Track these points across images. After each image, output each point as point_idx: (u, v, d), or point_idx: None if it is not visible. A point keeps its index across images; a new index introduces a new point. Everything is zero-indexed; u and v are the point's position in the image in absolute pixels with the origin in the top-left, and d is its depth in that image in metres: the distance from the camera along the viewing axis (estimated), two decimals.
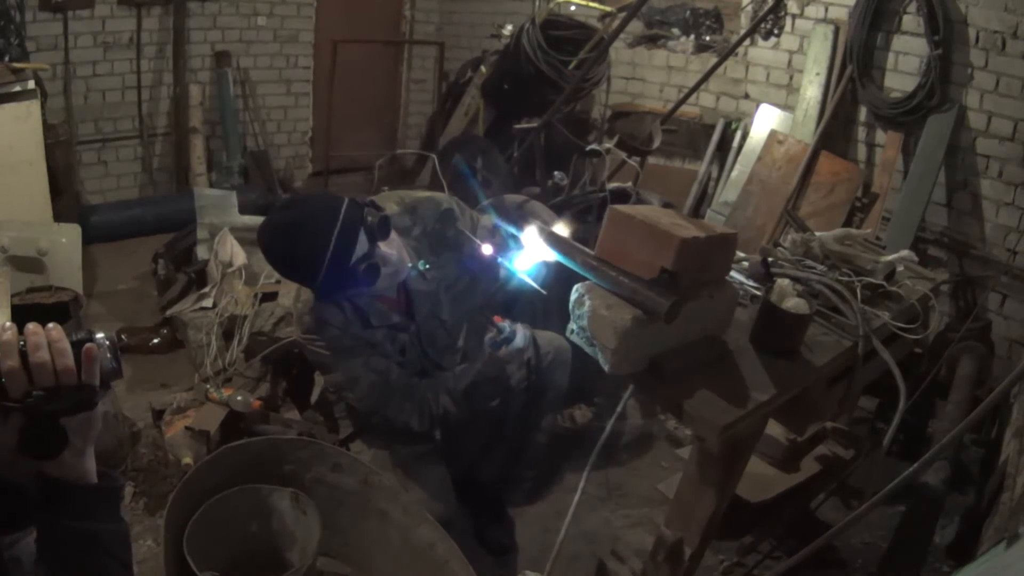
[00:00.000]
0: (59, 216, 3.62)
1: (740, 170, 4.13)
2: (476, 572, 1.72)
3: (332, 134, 4.91)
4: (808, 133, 3.83)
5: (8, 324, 0.87)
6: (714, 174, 4.43)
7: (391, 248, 1.76)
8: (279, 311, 2.77)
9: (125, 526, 1.00)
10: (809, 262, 1.74)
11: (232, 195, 3.91)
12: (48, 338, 0.87)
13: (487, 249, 1.88)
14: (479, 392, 1.96)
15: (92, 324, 2.98)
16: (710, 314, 1.40)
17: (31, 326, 0.87)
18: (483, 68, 5.01)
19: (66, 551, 0.91)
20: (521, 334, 1.96)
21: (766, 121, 4.12)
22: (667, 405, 1.48)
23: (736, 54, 4.13)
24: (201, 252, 3.50)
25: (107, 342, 0.92)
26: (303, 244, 1.67)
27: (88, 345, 0.89)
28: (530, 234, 1.51)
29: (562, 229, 1.57)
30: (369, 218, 1.69)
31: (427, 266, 1.89)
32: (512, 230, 1.75)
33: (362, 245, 1.68)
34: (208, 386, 2.47)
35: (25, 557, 0.96)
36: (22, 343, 0.86)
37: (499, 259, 1.89)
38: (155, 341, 3.15)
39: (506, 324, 1.93)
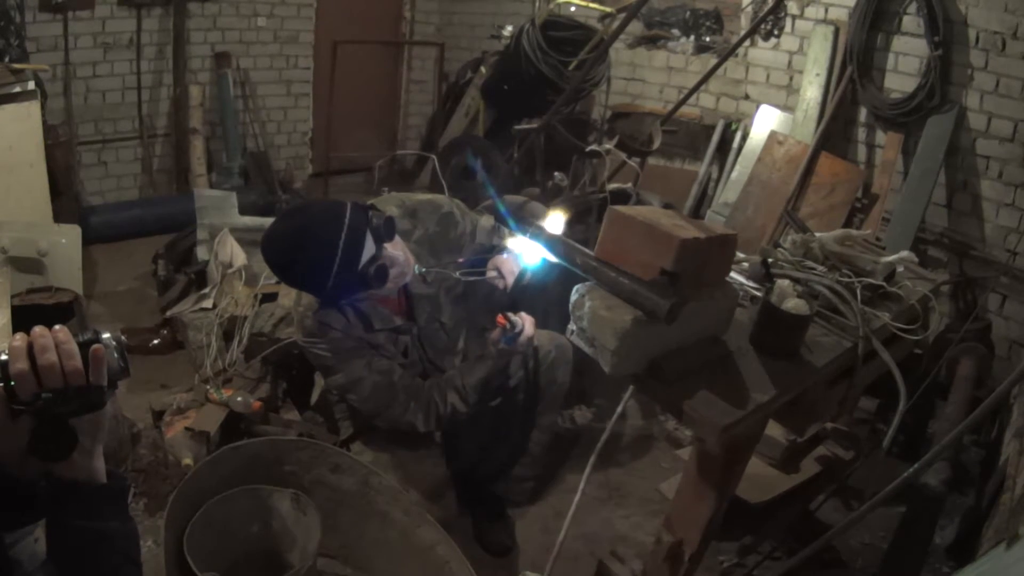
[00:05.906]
0: (59, 217, 3.61)
1: (740, 171, 4.13)
2: (476, 573, 1.72)
3: (332, 135, 4.91)
4: (808, 134, 3.83)
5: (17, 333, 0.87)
6: (714, 175, 4.43)
7: (396, 249, 1.76)
8: (279, 312, 2.76)
9: (134, 524, 1.01)
10: (809, 263, 1.74)
11: (232, 196, 3.91)
12: (55, 340, 0.86)
13: (491, 273, 1.89)
14: (489, 387, 1.95)
15: (94, 324, 2.97)
16: (710, 315, 1.39)
17: (38, 329, 0.87)
18: (483, 69, 5.01)
19: (76, 550, 0.92)
20: (528, 321, 1.94)
21: (766, 122, 4.12)
22: (667, 406, 1.48)
23: (736, 55, 4.13)
24: (201, 253, 3.50)
25: (114, 342, 0.92)
26: (311, 251, 1.65)
27: (95, 346, 0.89)
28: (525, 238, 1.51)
29: (558, 220, 1.56)
30: (374, 220, 1.69)
31: (425, 270, 1.90)
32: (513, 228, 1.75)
33: (369, 248, 1.68)
34: (208, 387, 2.46)
35: (25, 559, 0.97)
36: (29, 345, 0.86)
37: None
38: (155, 342, 3.15)
39: (515, 318, 1.92)
